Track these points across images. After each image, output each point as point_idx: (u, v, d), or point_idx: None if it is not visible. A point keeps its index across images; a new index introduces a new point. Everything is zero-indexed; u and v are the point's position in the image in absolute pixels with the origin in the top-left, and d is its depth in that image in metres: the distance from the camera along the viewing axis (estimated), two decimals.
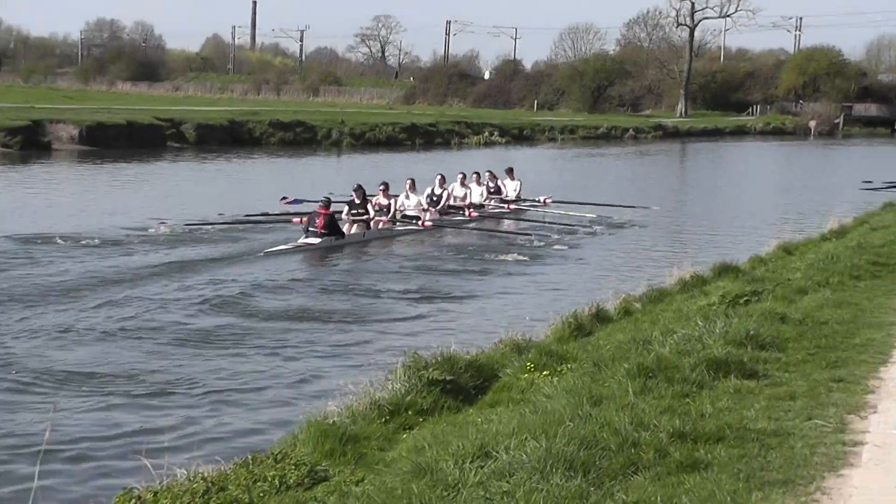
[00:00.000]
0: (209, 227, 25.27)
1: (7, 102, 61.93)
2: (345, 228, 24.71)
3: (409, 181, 27.69)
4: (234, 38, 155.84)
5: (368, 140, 64.79)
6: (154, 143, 55.12)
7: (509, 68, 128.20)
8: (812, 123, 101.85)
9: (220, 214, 27.12)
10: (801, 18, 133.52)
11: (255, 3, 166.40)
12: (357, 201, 25.46)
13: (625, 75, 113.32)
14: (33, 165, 44.77)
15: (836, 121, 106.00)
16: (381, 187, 26.18)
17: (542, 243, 25.29)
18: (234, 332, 15.28)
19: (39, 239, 22.53)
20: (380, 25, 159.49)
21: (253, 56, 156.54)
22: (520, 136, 76.44)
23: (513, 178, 32.05)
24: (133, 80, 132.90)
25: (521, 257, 23.30)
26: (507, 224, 29.41)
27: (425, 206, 27.36)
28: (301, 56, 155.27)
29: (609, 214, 30.58)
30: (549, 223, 28.60)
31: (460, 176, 30.31)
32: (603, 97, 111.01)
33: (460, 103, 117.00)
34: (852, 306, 12.95)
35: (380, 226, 25.90)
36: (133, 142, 53.58)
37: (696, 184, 49.64)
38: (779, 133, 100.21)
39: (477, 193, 30.52)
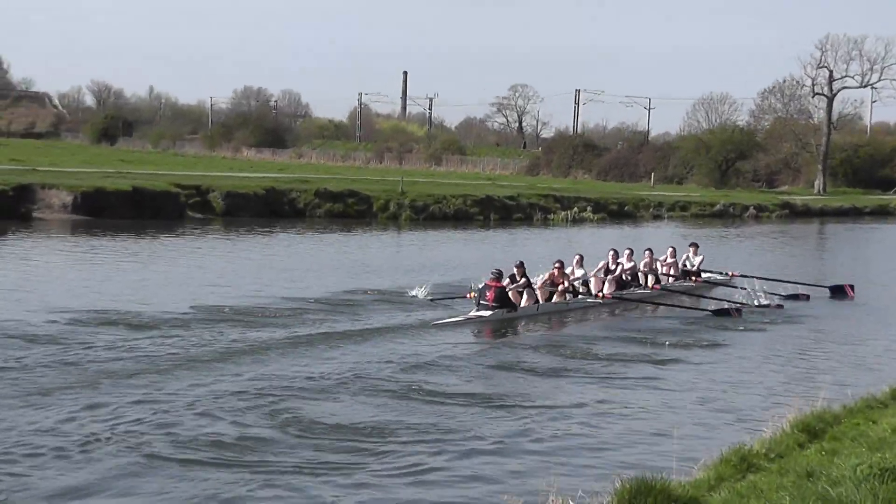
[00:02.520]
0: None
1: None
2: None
3: (577, 256, 26.60)
4: (360, 106, 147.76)
5: (433, 214, 53.77)
6: (169, 214, 45.49)
7: (637, 139, 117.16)
8: None
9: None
10: None
11: (405, 72, 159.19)
12: (518, 278, 23.89)
13: (756, 148, 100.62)
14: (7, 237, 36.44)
15: None
16: (557, 265, 24.93)
17: (731, 320, 23.71)
18: (401, 414, 14.17)
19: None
20: (516, 95, 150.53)
21: (385, 124, 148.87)
22: (619, 213, 64.56)
23: (696, 253, 30.60)
24: (258, 147, 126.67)
25: (706, 338, 21.34)
26: (692, 299, 27.62)
27: (602, 278, 26.30)
28: (429, 124, 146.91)
29: (797, 291, 28.58)
30: (736, 300, 26.13)
31: (627, 251, 28.01)
32: (732, 171, 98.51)
33: (585, 175, 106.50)
34: None
35: (554, 298, 24.57)
36: (141, 211, 44.22)
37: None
38: None
39: (658, 267, 28.99)
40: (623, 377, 17.40)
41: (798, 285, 29.16)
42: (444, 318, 21.84)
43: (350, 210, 52.65)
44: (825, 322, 25.01)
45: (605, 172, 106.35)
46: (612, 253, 27.35)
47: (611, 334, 21.79)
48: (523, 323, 23.02)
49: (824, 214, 78.97)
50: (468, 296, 23.94)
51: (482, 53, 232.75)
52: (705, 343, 21.01)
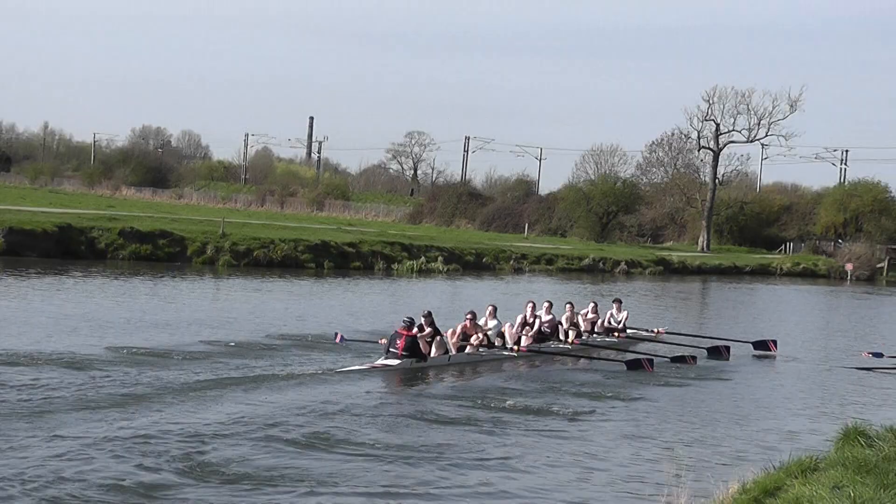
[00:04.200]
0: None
1: None
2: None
3: (490, 307, 24.74)
4: (246, 147, 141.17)
5: (257, 259, 47.10)
6: None
7: (522, 189, 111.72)
8: (849, 266, 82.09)
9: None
10: (846, 151, 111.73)
11: (311, 117, 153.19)
12: (426, 327, 22.30)
13: (640, 202, 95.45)
14: None
15: (880, 265, 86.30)
16: (469, 316, 23.75)
17: (646, 379, 21.91)
18: (301, 466, 13.08)
19: None
20: (412, 142, 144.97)
21: (281, 168, 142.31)
22: (476, 265, 58.25)
23: (620, 310, 29.39)
24: (139, 186, 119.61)
25: (620, 395, 19.66)
26: (611, 355, 25.59)
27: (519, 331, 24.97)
28: (318, 168, 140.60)
29: (727, 347, 27.49)
30: (659, 356, 25.15)
31: (546, 304, 26.79)
32: (614, 224, 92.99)
33: (469, 224, 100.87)
34: None
35: (466, 350, 23.28)
36: None
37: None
38: (809, 275, 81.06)
39: (580, 322, 27.54)
40: (535, 433, 16.10)
41: (721, 341, 28.45)
42: (350, 366, 20.61)
43: (160, 252, 45.74)
44: (721, 385, 23.05)
45: (488, 222, 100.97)
46: (530, 305, 26.32)
47: (511, 389, 20.26)
48: (432, 373, 21.81)
49: (702, 272, 73.51)
50: (379, 341, 22.70)
51: (384, 99, 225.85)
52: (624, 399, 19.43)
